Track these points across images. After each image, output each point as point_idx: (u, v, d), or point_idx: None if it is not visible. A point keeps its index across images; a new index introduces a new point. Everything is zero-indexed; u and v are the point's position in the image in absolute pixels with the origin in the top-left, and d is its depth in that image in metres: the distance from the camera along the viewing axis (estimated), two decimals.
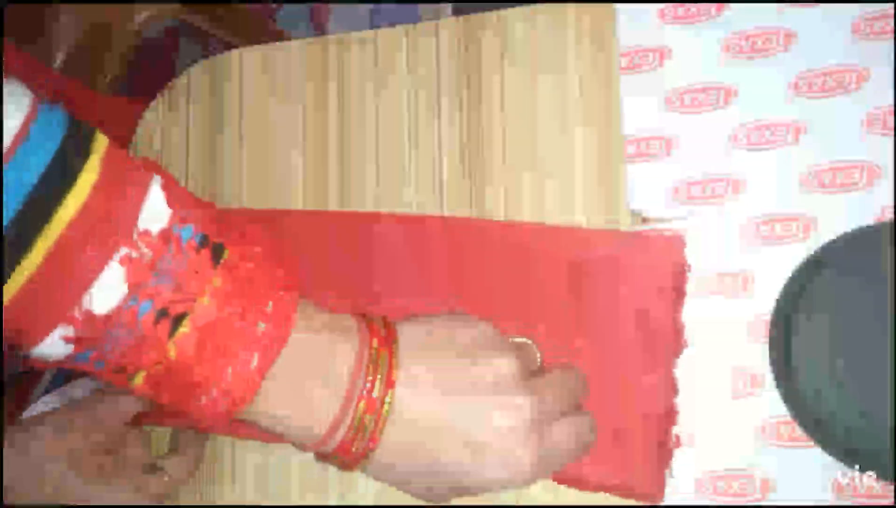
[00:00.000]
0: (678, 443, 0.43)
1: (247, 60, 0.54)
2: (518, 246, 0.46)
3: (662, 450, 0.43)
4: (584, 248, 0.45)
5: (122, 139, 0.55)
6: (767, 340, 0.43)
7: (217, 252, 0.35)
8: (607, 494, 0.43)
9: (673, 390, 0.43)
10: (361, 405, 0.37)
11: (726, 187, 0.45)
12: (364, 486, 0.47)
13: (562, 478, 0.44)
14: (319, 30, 1.14)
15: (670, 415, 0.43)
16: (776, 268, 0.43)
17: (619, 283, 0.44)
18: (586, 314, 0.44)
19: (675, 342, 0.44)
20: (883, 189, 0.43)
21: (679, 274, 0.44)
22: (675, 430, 0.43)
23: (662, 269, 0.44)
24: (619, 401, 0.43)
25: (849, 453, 0.41)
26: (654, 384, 0.43)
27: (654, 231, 0.45)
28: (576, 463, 0.42)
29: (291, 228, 0.50)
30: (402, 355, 0.38)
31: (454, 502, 0.45)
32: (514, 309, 0.45)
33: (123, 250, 0.33)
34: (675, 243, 0.44)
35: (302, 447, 0.39)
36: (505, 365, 0.38)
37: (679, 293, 0.44)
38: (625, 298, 0.44)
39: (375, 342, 0.38)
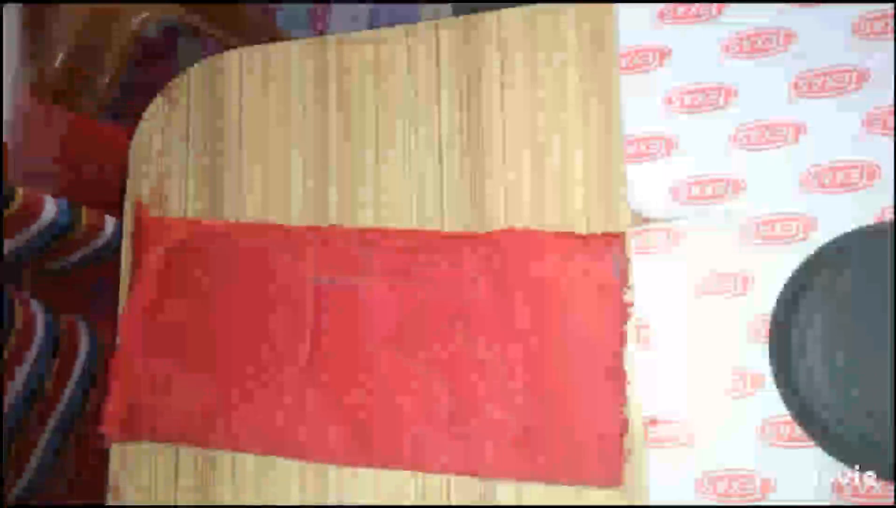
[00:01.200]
0: (625, 429, 0.44)
1: (247, 60, 0.54)
2: (465, 256, 0.47)
3: (606, 440, 0.44)
4: (530, 253, 0.46)
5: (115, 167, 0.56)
6: (767, 340, 0.43)
7: None
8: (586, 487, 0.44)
9: (618, 381, 0.44)
10: None
11: (726, 187, 0.45)
12: (364, 487, 0.47)
13: (517, 474, 0.45)
14: (319, 30, 1.14)
15: (616, 401, 0.44)
16: (776, 268, 0.43)
17: (563, 284, 0.45)
18: (530, 315, 0.46)
19: (618, 334, 0.44)
20: (883, 189, 0.43)
21: (620, 271, 0.45)
22: (626, 415, 0.44)
23: (603, 266, 0.45)
24: (565, 400, 0.44)
25: (849, 453, 0.41)
26: (599, 378, 0.44)
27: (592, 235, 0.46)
28: (527, 459, 0.44)
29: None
30: None
31: (453, 502, 0.46)
32: (458, 316, 0.47)
33: None
34: (611, 241, 0.45)
35: None
36: None
37: (620, 288, 0.45)
38: (569, 297, 0.45)
39: None
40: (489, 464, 0.45)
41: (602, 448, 0.44)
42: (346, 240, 0.49)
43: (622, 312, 0.45)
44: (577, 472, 0.44)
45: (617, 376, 0.44)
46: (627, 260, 0.45)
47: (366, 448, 0.47)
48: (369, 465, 0.47)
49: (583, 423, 0.44)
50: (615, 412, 0.44)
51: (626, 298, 0.45)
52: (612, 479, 0.43)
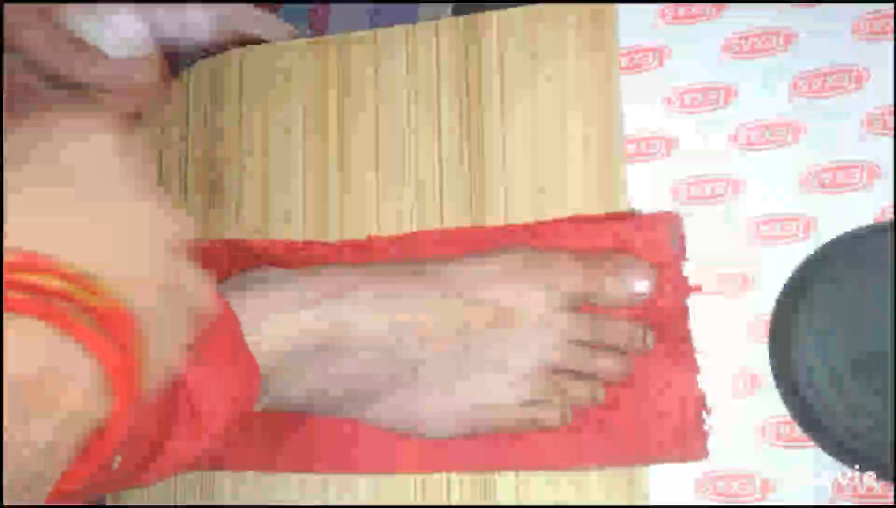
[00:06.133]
0: (704, 401, 0.43)
1: (247, 60, 0.54)
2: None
3: (687, 414, 0.43)
4: (584, 238, 0.45)
5: None
6: (767, 340, 0.43)
7: None
8: (648, 463, 0.43)
9: (689, 352, 0.44)
10: None
11: (726, 187, 0.45)
12: (364, 487, 0.47)
13: (598, 461, 0.44)
14: (319, 30, 1.14)
15: (689, 374, 0.43)
16: (776, 268, 0.43)
17: None
18: None
19: (682, 308, 0.44)
20: (883, 189, 0.43)
21: (677, 247, 0.44)
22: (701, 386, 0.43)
23: (660, 244, 0.44)
24: (637, 379, 0.44)
25: (849, 453, 0.41)
26: (668, 353, 0.44)
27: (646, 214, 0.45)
28: (610, 444, 0.43)
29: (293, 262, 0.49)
30: None
31: (453, 501, 0.45)
32: None
33: None
34: (670, 218, 0.45)
35: None
36: None
37: (679, 264, 0.44)
38: None
39: None
40: (564, 455, 0.44)
41: (684, 422, 0.43)
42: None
43: (684, 286, 0.44)
44: (661, 450, 0.43)
45: (686, 349, 0.44)
46: (684, 234, 0.45)
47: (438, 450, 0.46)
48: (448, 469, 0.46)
49: (660, 401, 0.43)
50: (691, 385, 0.43)
51: (686, 271, 0.44)
52: (698, 452, 0.43)
